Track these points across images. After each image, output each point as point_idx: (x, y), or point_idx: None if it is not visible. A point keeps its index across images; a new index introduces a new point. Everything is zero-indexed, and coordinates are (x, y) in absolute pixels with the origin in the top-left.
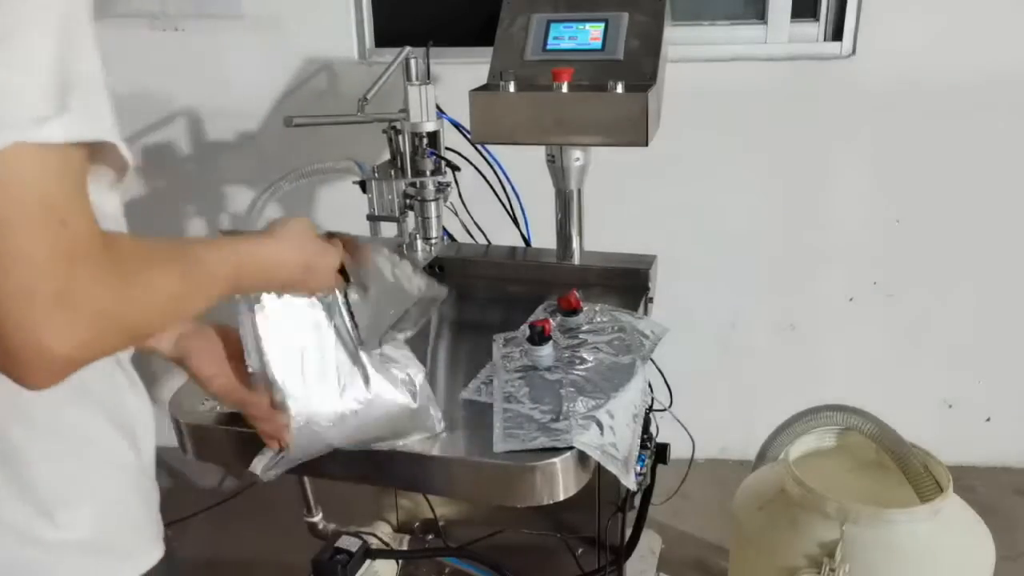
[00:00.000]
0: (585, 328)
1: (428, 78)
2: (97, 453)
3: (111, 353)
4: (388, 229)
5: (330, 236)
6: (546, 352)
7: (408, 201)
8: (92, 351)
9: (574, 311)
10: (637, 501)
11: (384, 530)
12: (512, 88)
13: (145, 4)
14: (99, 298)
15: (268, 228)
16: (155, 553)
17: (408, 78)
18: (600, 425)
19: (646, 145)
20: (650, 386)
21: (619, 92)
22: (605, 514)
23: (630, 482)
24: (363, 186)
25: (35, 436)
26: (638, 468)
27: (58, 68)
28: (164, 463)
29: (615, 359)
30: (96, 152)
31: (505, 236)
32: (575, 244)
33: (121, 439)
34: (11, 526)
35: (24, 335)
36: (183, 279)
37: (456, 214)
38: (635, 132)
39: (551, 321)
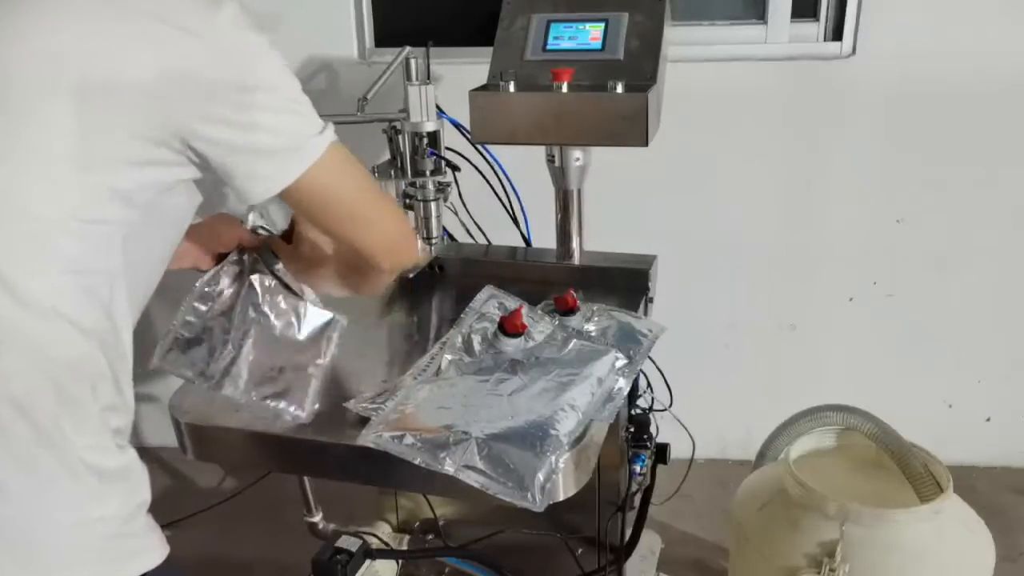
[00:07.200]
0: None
1: (428, 78)
2: None
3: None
4: None
5: None
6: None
7: (408, 201)
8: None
9: (571, 311)
10: (637, 501)
11: (384, 530)
12: (512, 88)
13: None
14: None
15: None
16: None
17: (408, 78)
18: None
19: (646, 145)
20: (650, 386)
21: (619, 92)
22: (605, 514)
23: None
24: None
25: None
26: (638, 468)
27: None
28: (164, 463)
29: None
30: None
31: (505, 236)
32: (575, 244)
33: None
34: None
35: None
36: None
37: (456, 214)
38: (635, 132)
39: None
